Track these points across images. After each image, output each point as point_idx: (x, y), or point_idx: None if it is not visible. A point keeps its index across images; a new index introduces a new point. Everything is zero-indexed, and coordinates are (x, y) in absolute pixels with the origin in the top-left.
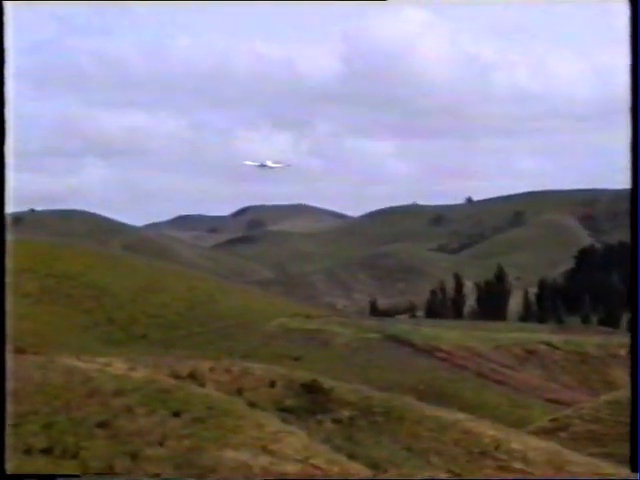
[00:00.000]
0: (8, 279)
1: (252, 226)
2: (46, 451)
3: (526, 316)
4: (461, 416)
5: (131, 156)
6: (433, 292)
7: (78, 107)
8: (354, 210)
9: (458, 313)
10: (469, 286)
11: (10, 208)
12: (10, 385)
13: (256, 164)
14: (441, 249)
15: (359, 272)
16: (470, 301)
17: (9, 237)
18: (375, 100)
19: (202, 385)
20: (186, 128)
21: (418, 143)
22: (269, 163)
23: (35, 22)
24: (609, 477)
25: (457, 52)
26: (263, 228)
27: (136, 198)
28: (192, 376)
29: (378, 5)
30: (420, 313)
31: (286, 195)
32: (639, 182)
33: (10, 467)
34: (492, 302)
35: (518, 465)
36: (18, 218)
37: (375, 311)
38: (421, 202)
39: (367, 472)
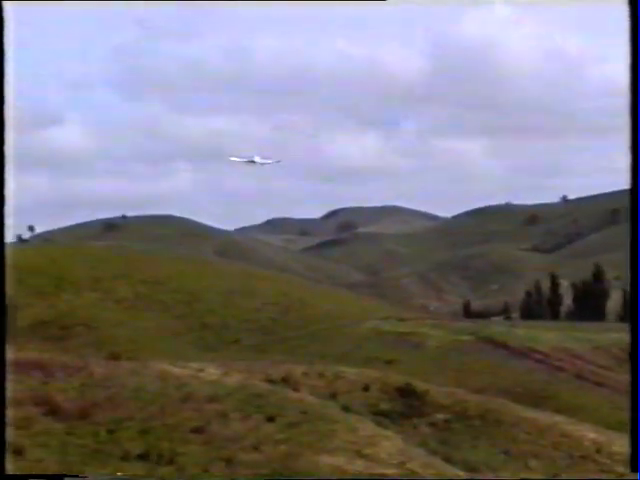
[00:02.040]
0: (104, 285)
1: (342, 228)
2: (142, 457)
3: (625, 316)
4: (560, 419)
5: (218, 160)
6: (528, 293)
7: (163, 111)
8: (446, 210)
9: (554, 314)
10: (565, 286)
11: (102, 214)
12: (105, 391)
13: (243, 160)
14: (535, 249)
15: (452, 273)
16: (567, 301)
17: (103, 243)
18: (463, 98)
19: (296, 390)
20: (270, 130)
21: (509, 141)
22: (257, 159)
23: (117, 26)
24: (609, 477)
25: (545, 47)
26: (353, 230)
27: (225, 202)
28: (286, 381)
29: (463, 3)
30: (515, 314)
31: (376, 196)
32: (639, 182)
33: (108, 473)
34: (590, 302)
35: (621, 469)
36: (111, 224)
37: (468, 313)
38: (514, 201)
39: (465, 476)
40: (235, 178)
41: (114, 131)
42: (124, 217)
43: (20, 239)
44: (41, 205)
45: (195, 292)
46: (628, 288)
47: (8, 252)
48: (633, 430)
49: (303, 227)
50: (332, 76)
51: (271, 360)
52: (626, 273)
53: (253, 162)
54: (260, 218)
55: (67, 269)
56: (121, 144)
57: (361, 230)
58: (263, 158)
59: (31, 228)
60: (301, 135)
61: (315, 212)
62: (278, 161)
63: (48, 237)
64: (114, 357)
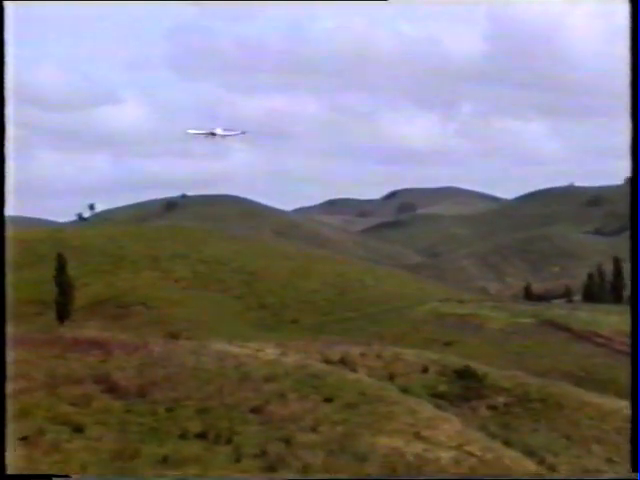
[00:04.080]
0: (163, 264)
1: (402, 210)
2: (200, 436)
3: None
4: (623, 403)
5: (275, 140)
6: (590, 276)
7: (221, 91)
8: (507, 192)
9: (617, 297)
10: (629, 269)
11: (162, 193)
12: (164, 370)
13: (202, 132)
14: (598, 232)
15: (512, 256)
16: (629, 285)
17: (162, 222)
18: (522, 79)
19: (353, 370)
20: (329, 111)
21: (571, 122)
22: (219, 131)
23: (171, 8)
24: (609, 477)
25: (605, 26)
26: (413, 212)
27: (283, 182)
28: (343, 361)
29: None
30: (577, 297)
31: (435, 178)
32: (639, 182)
33: (166, 451)
34: None
35: None
36: (171, 203)
37: (529, 295)
38: (578, 183)
39: (525, 461)
40: (291, 158)
41: (172, 111)
42: (184, 197)
43: (81, 217)
44: (102, 184)
45: (254, 272)
46: None
47: (69, 231)
48: (633, 430)
49: (362, 208)
50: (391, 57)
51: (329, 341)
52: None
53: (214, 135)
54: (319, 199)
55: (126, 248)
56: (179, 124)
57: (420, 212)
58: (225, 130)
59: (91, 207)
60: (360, 116)
61: (374, 193)
62: (243, 132)
63: (108, 216)
64: (173, 336)
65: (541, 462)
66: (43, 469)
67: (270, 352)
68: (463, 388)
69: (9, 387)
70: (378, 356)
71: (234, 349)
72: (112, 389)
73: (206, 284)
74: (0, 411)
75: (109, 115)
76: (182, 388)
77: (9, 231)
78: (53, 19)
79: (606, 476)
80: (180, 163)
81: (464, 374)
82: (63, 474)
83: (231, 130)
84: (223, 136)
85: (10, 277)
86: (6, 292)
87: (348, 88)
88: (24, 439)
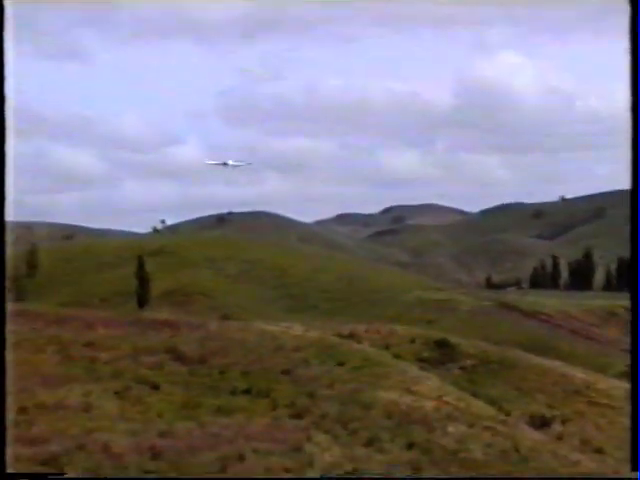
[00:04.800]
0: (216, 264)
1: (395, 221)
2: (245, 392)
3: (608, 287)
4: (558, 364)
5: (300, 170)
6: (535, 269)
7: (258, 135)
8: (472, 207)
9: (555, 285)
10: (563, 264)
11: (214, 211)
12: (218, 343)
13: (218, 163)
14: (540, 237)
15: (477, 255)
16: (564, 275)
17: (215, 232)
18: (481, 123)
19: (359, 342)
20: (339, 148)
21: (517, 156)
22: (230, 162)
23: (223, 73)
24: (609, 477)
25: (545, 84)
26: (403, 222)
27: (306, 201)
28: (351, 336)
29: (482, 51)
30: (525, 286)
31: (419, 196)
32: (639, 183)
33: (220, 403)
34: (581, 276)
35: (604, 401)
36: (221, 218)
37: (490, 285)
38: (524, 200)
39: (487, 408)
40: (312, 184)
41: (222, 150)
42: (230, 213)
43: (155, 229)
44: (170, 204)
45: (284, 270)
46: (610, 266)
47: (147, 239)
48: (633, 430)
49: (366, 220)
50: (384, 107)
51: (340, 320)
52: (608, 255)
53: (226, 164)
54: (332, 213)
55: (189, 252)
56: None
57: (408, 222)
58: (236, 161)
59: (163, 221)
60: (362, 152)
61: (374, 209)
62: (249, 164)
63: (174, 228)
64: (225, 318)
65: (500, 409)
66: (131, 416)
67: (297, 329)
68: (441, 354)
69: (105, 356)
70: (377, 331)
71: (270, 327)
72: (179, 358)
73: (249, 279)
74: (0, 411)
75: (175, 153)
76: (232, 356)
77: (104, 240)
78: (132, 77)
79: (607, 475)
80: (227, 189)
81: (441, 344)
82: (60, 473)
83: (241, 161)
84: (234, 166)
85: (107, 274)
86: (6, 293)
87: (352, 131)
88: (117, 393)
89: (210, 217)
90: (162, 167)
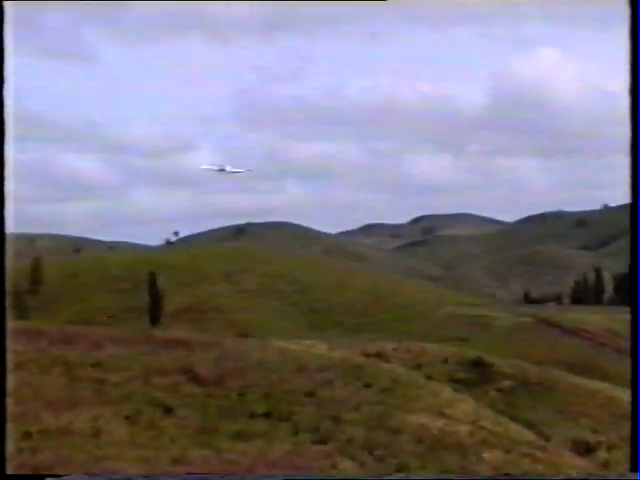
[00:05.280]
0: (233, 278)
1: (425, 232)
2: (265, 415)
3: None
4: (603, 385)
5: (323, 177)
6: (577, 283)
7: (277, 139)
8: (509, 216)
9: (598, 300)
10: (607, 277)
11: (231, 222)
12: (236, 363)
13: (215, 168)
14: (582, 248)
15: (514, 267)
16: (608, 290)
17: (233, 244)
18: (517, 125)
19: (388, 362)
20: (365, 153)
21: (556, 159)
22: (228, 168)
23: (239, 73)
24: (609, 477)
25: (585, 83)
26: (434, 233)
27: (329, 211)
28: (379, 355)
29: (519, 47)
30: (566, 301)
31: (451, 205)
32: (639, 184)
33: (239, 427)
34: (626, 290)
35: None
36: (239, 229)
37: (528, 299)
38: (564, 209)
39: (526, 433)
40: (335, 192)
41: (239, 156)
42: (249, 224)
43: (168, 242)
44: (183, 215)
45: (306, 284)
46: None
47: (159, 253)
48: (633, 430)
49: (393, 231)
50: (413, 109)
51: (367, 338)
52: None
53: (224, 170)
54: (358, 224)
55: (204, 265)
56: (243, 166)
57: (440, 233)
58: (234, 167)
59: (176, 233)
60: (390, 157)
61: (402, 219)
62: (249, 170)
63: (189, 240)
64: (243, 336)
65: (539, 434)
66: (143, 442)
67: (320, 348)
68: (476, 375)
69: (115, 377)
70: (407, 350)
71: (291, 345)
72: (194, 378)
73: (268, 294)
74: (0, 411)
75: (189, 160)
76: (250, 377)
77: (113, 253)
78: (142, 78)
79: (607, 475)
80: (246, 197)
81: (476, 363)
82: (58, 474)
83: (240, 168)
84: (232, 172)
85: (113, 290)
86: (5, 294)
87: (379, 134)
88: (127, 418)
89: (227, 228)
90: (175, 174)
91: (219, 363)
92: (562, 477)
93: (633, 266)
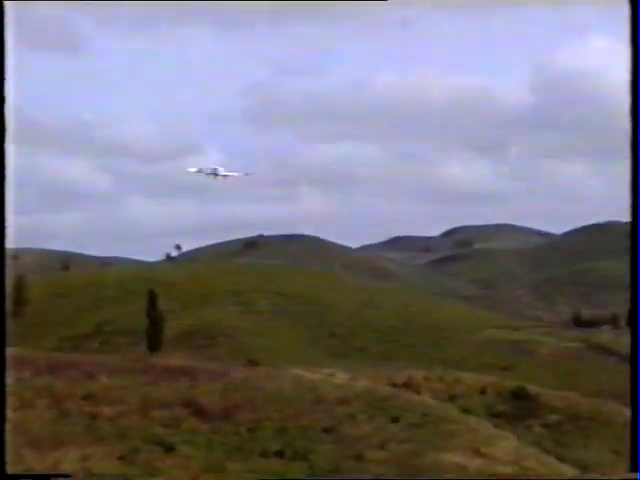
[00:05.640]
0: (244, 298)
1: (460, 245)
2: (279, 454)
3: None
4: None
5: (344, 184)
6: None
7: (292, 140)
8: (556, 228)
9: None
10: None
11: (241, 234)
12: (245, 394)
13: (204, 171)
14: None
15: (562, 286)
16: None
17: (243, 259)
18: (565, 125)
19: (418, 393)
20: (391, 157)
21: (608, 163)
22: (221, 171)
23: (249, 66)
24: (610, 477)
25: None
26: (470, 247)
27: (351, 222)
28: (408, 385)
29: (567, 36)
30: (622, 323)
31: (489, 215)
32: (639, 186)
33: (249, 467)
34: None
35: None
36: (250, 243)
37: (578, 322)
38: (619, 219)
39: (576, 474)
40: (358, 200)
41: (249, 160)
42: (261, 236)
43: (168, 257)
44: (187, 227)
45: (325, 305)
46: None
47: (159, 269)
48: (633, 430)
49: (424, 244)
50: (445, 106)
51: (394, 365)
52: None
53: (216, 175)
54: (384, 236)
55: (211, 284)
56: (255, 171)
57: (477, 247)
58: (228, 171)
59: (178, 247)
60: (419, 161)
61: (434, 230)
62: (246, 174)
63: (193, 255)
64: (253, 364)
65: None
66: None
67: (341, 377)
68: (518, 408)
69: (108, 411)
70: (440, 379)
71: (308, 374)
72: (199, 412)
73: (282, 316)
74: (0, 412)
75: (193, 164)
76: (262, 410)
77: (107, 270)
78: (140, 72)
79: (607, 475)
80: (257, 206)
81: (519, 395)
82: (63, 474)
83: (236, 171)
84: (225, 176)
85: (110, 311)
86: (5, 295)
87: (407, 135)
88: (121, 458)
89: (236, 242)
90: (177, 181)
91: (227, 394)
92: (562, 477)
93: (633, 266)
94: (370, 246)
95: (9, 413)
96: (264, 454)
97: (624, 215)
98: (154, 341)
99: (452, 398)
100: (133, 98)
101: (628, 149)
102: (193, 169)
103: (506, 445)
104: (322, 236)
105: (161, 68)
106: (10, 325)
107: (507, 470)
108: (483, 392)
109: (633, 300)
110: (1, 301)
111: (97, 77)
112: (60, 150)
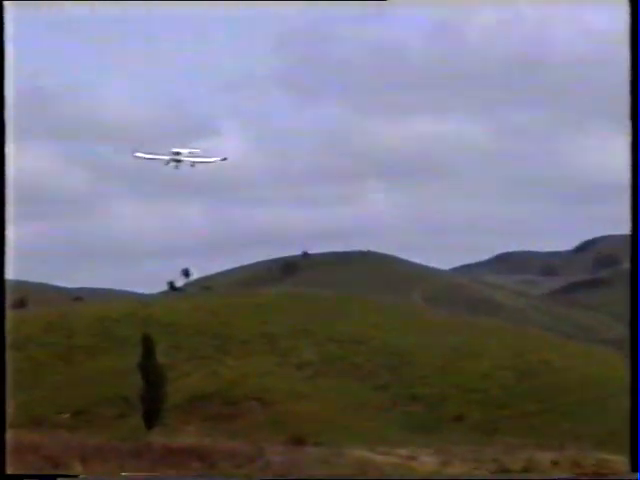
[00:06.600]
0: (280, 345)
1: (601, 264)
2: None
3: None
4: None
5: (425, 177)
6: None
7: (349, 115)
8: None
9: None
10: None
11: (276, 252)
12: None
13: (160, 157)
14: None
15: None
16: None
17: (279, 289)
18: None
19: None
20: (495, 135)
21: None
22: (185, 153)
23: (281, 11)
24: (610, 477)
25: None
26: (617, 267)
27: (437, 232)
28: (528, 471)
29: None
30: None
31: None
32: (639, 187)
33: None
34: None
35: None
36: (289, 264)
37: None
38: None
39: None
40: (447, 200)
41: (284, 143)
42: (305, 255)
43: (172, 287)
44: (198, 243)
45: (402, 353)
46: None
47: (159, 304)
48: (633, 430)
49: (546, 264)
50: (575, 60)
51: (505, 443)
52: None
53: (177, 161)
54: (487, 253)
55: (232, 325)
56: (294, 160)
57: (627, 266)
58: (193, 153)
59: (186, 273)
60: (538, 140)
61: (563, 243)
62: (224, 159)
63: (207, 284)
64: (297, 441)
65: None
66: None
67: (427, 460)
68: None
69: None
70: (575, 463)
71: (378, 457)
72: None
73: (338, 370)
74: (0, 412)
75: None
76: None
77: (81, 307)
78: (131, 27)
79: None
80: (298, 212)
81: None
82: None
83: (206, 155)
84: (192, 163)
85: (86, 367)
86: (5, 297)
87: (519, 104)
88: None
89: (269, 263)
90: (181, 177)
91: None
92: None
93: (633, 265)
94: (467, 267)
95: None
96: None
97: None
98: (152, 410)
99: None
100: (122, 63)
101: None
102: (141, 154)
103: None
104: (394, 253)
105: (162, 23)
106: None
107: None
108: None
109: (633, 298)
110: (1, 302)
111: (70, 29)
112: (23, 136)
